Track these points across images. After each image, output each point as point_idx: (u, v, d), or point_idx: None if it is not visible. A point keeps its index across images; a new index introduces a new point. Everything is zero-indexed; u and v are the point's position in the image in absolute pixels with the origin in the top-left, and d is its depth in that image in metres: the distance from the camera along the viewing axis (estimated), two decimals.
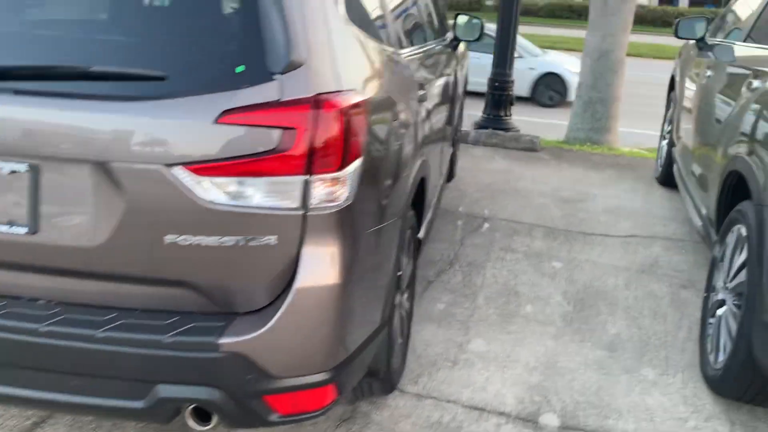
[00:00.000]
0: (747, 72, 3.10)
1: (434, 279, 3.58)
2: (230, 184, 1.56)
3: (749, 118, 2.72)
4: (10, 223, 1.66)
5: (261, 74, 1.56)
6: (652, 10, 32.91)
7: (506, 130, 6.65)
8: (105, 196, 1.60)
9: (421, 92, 2.60)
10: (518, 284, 3.56)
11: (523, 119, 8.02)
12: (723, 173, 2.88)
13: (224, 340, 1.60)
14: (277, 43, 1.57)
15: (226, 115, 1.53)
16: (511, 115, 6.84)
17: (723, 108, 3.30)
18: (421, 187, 2.73)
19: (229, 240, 1.59)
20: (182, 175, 1.55)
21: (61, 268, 1.68)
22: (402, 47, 2.58)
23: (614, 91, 6.68)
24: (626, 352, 2.95)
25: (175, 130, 1.56)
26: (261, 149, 1.54)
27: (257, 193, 1.58)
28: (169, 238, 1.59)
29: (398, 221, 2.11)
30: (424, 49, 3.06)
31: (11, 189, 1.64)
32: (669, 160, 5.10)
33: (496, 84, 6.67)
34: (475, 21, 4.07)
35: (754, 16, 3.59)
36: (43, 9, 1.87)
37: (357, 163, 1.70)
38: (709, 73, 3.92)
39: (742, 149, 2.67)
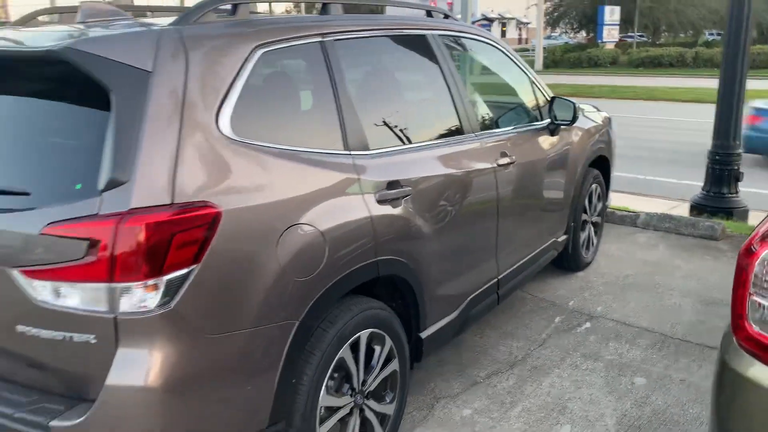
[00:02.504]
0: None
1: (482, 380, 3.33)
2: (52, 286, 1.79)
3: None
4: None
5: (89, 192, 1.78)
6: None
7: (729, 210, 5.87)
8: None
9: (402, 189, 2.55)
10: (573, 399, 3.14)
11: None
12: None
13: (54, 423, 1.80)
14: (104, 165, 1.78)
15: (48, 227, 1.77)
16: (737, 191, 5.96)
17: None
18: (405, 283, 2.66)
19: (58, 334, 1.81)
20: (19, 276, 1.82)
21: None
22: (378, 147, 2.58)
23: None
24: None
25: (15, 239, 1.85)
26: (72, 257, 1.74)
27: (73, 296, 1.78)
28: (20, 328, 1.87)
29: (288, 325, 2.10)
30: (451, 143, 3.01)
31: None
32: None
33: (717, 157, 5.89)
34: (567, 103, 3.81)
35: None
36: None
37: (183, 272, 1.80)
38: None
39: None
